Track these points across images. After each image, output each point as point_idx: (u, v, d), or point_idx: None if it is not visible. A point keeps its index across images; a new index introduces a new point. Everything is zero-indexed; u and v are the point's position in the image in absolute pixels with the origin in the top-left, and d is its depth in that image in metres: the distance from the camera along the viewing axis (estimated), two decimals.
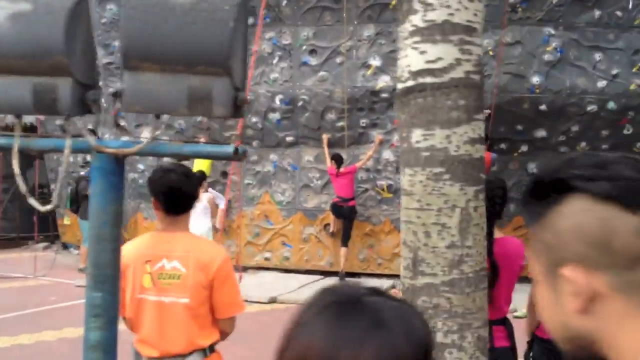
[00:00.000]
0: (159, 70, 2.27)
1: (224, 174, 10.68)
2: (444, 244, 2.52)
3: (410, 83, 2.60)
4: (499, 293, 3.12)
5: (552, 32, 9.27)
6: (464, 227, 2.52)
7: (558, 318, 0.99)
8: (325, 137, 10.12)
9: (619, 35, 9.30)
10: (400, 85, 2.67)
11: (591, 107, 9.28)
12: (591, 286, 0.93)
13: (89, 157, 11.80)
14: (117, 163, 2.52)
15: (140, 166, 10.97)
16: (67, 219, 12.02)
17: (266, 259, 10.63)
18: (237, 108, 2.43)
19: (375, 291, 1.03)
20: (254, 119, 10.36)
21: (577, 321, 0.95)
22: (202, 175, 8.77)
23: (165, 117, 10.79)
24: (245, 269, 10.50)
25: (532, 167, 9.76)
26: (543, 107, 9.33)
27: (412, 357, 0.94)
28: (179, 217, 2.97)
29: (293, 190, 10.47)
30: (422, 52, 2.55)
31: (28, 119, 12.45)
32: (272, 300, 9.09)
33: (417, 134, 2.57)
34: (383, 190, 10.07)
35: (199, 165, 10.08)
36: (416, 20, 2.55)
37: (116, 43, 10.60)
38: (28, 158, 11.81)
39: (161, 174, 2.93)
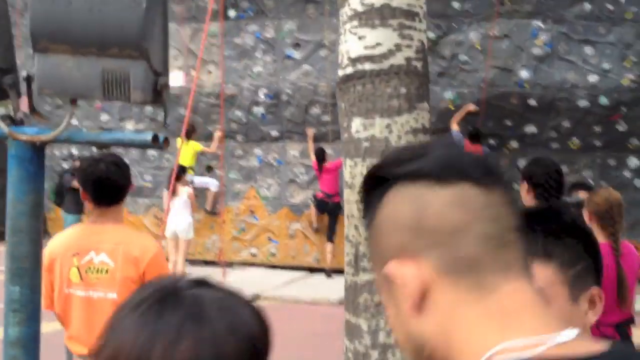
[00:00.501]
0: (70, 52, 2.12)
1: (209, 168, 10.52)
2: None
3: (349, 70, 2.45)
4: None
5: (541, 25, 9.08)
6: None
7: (401, 329, 0.81)
8: (310, 131, 9.96)
9: (610, 29, 9.10)
10: (340, 73, 2.52)
11: (582, 103, 9.10)
12: (418, 278, 0.76)
13: (73, 150, 11.71)
14: (35, 151, 2.37)
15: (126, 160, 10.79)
16: (51, 213, 11.88)
17: (252, 254, 10.48)
18: (158, 93, 2.27)
19: (199, 282, 0.92)
20: (238, 113, 10.20)
21: (416, 325, 0.78)
22: (181, 169, 8.61)
23: (148, 111, 10.67)
24: (230, 264, 10.36)
25: (523, 164, 9.58)
26: (532, 102, 9.15)
27: (237, 353, 0.84)
28: (109, 209, 2.83)
29: (279, 185, 10.31)
30: (361, 38, 2.39)
31: None
32: (256, 297, 8.93)
33: (356, 124, 2.42)
34: None
35: (183, 159, 9.91)
36: (355, 3, 2.40)
37: None
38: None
39: (89, 162, 2.80)
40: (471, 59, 9.09)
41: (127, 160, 9.95)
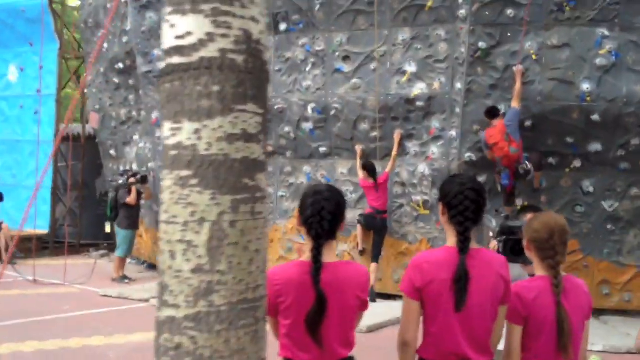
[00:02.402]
0: None
1: None
2: (189, 267, 1.98)
3: (162, 64, 2.10)
4: (328, 331, 2.53)
5: (606, 33, 8.28)
6: (214, 246, 1.97)
7: None
8: (359, 148, 9.57)
9: None
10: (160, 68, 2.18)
11: None
12: None
13: (127, 166, 11.89)
14: None
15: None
16: (107, 227, 12.10)
17: None
18: None
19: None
20: (286, 129, 9.98)
21: None
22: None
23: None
24: None
25: (588, 185, 8.73)
26: (596, 117, 8.34)
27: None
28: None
29: None
30: (172, 26, 2.04)
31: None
32: None
33: (166, 128, 2.06)
34: (419, 206, 9.37)
35: None
36: None
37: (156, 51, 10.57)
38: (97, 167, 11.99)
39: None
40: (527, 70, 8.39)
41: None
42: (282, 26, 9.76)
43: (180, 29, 2.01)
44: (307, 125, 9.82)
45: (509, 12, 8.40)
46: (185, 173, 1.99)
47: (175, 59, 2.02)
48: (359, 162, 9.48)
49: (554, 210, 8.25)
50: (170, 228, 2.03)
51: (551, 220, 2.72)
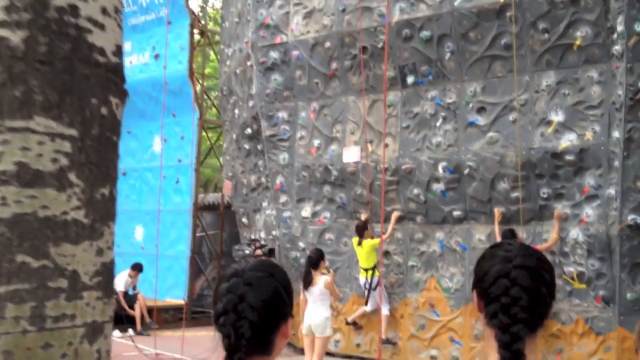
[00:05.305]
0: None
1: (386, 254, 9.29)
2: None
3: None
4: None
5: None
6: None
7: None
8: (497, 211, 8.29)
9: None
10: None
11: None
12: None
13: (257, 235, 11.37)
14: None
15: (301, 244, 10.10)
16: None
17: (432, 357, 8.85)
18: None
19: None
20: (415, 191, 8.93)
21: None
22: (318, 254, 7.52)
23: (326, 191, 9.91)
24: None
25: None
26: None
27: None
28: None
29: (462, 275, 8.68)
30: None
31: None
32: None
33: None
34: (573, 279, 7.83)
35: (363, 261, 8.98)
36: None
37: (280, 114, 10.11)
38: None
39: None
40: None
41: (303, 244, 9.14)
42: (410, 79, 8.90)
43: None
44: (438, 187, 8.73)
45: None
46: None
47: None
48: (497, 228, 8.18)
49: None
50: None
51: None
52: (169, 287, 14.11)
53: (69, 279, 1.91)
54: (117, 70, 2.20)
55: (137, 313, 12.62)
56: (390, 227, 8.99)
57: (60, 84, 1.87)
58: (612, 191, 7.48)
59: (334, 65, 9.47)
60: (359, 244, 9.06)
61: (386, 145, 8.98)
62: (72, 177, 1.93)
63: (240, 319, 1.51)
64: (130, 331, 11.86)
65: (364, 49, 9.08)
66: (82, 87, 1.95)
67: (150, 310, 13.09)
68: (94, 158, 2.02)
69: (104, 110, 2.07)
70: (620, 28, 7.24)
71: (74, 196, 1.92)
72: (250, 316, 1.51)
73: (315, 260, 7.33)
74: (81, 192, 1.97)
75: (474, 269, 1.70)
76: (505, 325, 1.52)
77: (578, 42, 7.63)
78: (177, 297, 13.94)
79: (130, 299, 12.72)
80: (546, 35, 7.81)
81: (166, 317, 13.61)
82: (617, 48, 7.33)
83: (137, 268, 12.94)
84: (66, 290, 1.92)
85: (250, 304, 1.52)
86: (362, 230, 9.01)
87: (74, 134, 1.93)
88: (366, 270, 9.06)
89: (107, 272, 2.15)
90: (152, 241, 14.39)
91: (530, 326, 1.53)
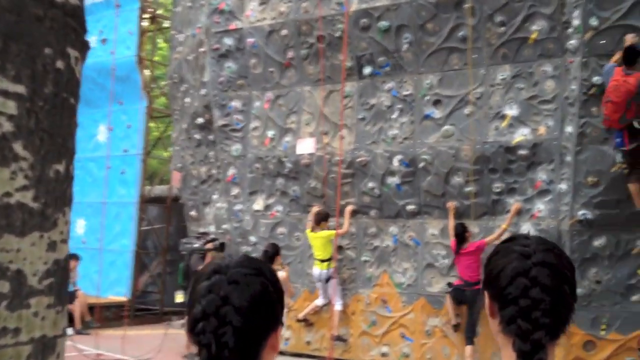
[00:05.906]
0: None
1: (339, 248, 9.13)
2: None
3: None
4: None
5: None
6: None
7: None
8: (451, 205, 8.22)
9: None
10: None
11: None
12: None
13: (206, 228, 11.06)
14: None
15: (253, 238, 9.84)
16: (179, 296, 11.11)
17: (383, 354, 8.72)
18: None
19: None
20: (370, 184, 8.80)
21: None
22: (274, 249, 7.39)
23: (279, 184, 9.69)
24: None
25: None
26: None
27: None
28: None
29: (415, 270, 8.58)
30: None
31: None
32: None
33: None
34: None
35: (319, 251, 8.77)
36: None
37: (233, 104, 9.84)
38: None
39: None
40: None
41: (255, 239, 8.91)
42: (367, 70, 8.76)
43: None
44: (393, 180, 8.62)
45: None
46: None
47: None
48: (451, 222, 8.12)
49: None
50: None
51: None
52: (111, 283, 13.63)
53: (11, 281, 1.59)
54: (77, 15, 1.90)
55: (76, 311, 12.06)
56: (345, 221, 8.83)
57: (4, 25, 1.59)
58: (564, 186, 7.49)
59: (290, 54, 9.26)
60: (313, 231, 8.86)
61: (342, 137, 8.84)
62: (18, 148, 1.63)
63: (223, 324, 1.27)
64: (69, 330, 11.35)
65: (322, 37, 8.91)
66: (33, 32, 1.67)
67: (91, 308, 12.61)
68: (46, 124, 1.72)
69: (60, 64, 1.78)
70: (576, 22, 7.26)
71: (20, 173, 1.63)
72: (234, 321, 1.27)
73: (272, 255, 7.15)
74: (29, 168, 1.67)
75: (484, 266, 1.49)
76: (525, 331, 1.33)
77: (534, 36, 7.63)
78: (119, 294, 13.48)
79: (69, 296, 12.20)
80: (503, 29, 7.78)
81: (108, 315, 13.12)
82: (572, 42, 7.34)
83: (75, 257, 12.18)
84: (8, 297, 1.59)
85: (235, 306, 1.28)
86: (321, 220, 8.79)
87: (21, 92, 1.64)
88: (322, 261, 8.85)
89: (60, 272, 1.79)
90: (93, 235, 13.89)
91: (552, 333, 1.34)
